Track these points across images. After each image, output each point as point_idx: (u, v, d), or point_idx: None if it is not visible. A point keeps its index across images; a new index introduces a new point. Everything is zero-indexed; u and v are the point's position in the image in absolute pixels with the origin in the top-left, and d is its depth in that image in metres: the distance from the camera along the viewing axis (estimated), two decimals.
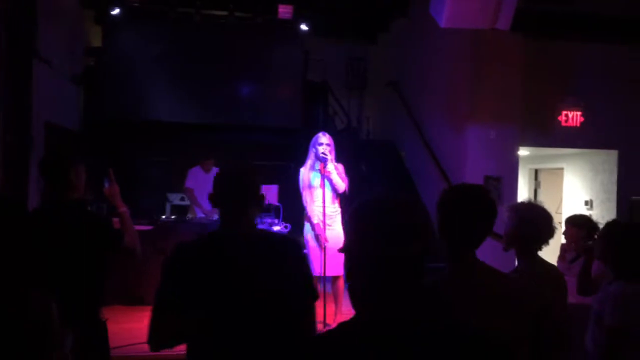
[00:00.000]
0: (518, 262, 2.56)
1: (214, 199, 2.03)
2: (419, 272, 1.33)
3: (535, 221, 2.51)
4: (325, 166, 4.85)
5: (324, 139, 5.00)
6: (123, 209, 2.81)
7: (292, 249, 2.05)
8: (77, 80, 8.08)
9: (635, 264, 2.61)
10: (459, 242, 1.89)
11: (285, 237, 2.25)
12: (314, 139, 5.07)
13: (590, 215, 7.06)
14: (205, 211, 6.57)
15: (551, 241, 2.61)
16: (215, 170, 6.96)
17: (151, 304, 1.94)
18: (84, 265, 2.62)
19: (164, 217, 6.55)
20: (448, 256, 1.91)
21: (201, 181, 6.76)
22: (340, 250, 1.43)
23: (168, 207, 7.36)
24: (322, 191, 4.84)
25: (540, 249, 2.57)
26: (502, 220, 2.40)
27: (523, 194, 8.03)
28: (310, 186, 4.99)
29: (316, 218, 4.93)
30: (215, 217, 6.48)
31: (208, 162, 6.85)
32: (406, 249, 1.30)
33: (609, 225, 2.93)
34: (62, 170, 2.69)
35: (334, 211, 5.01)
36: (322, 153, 4.84)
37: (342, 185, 4.93)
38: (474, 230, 1.89)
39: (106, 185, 2.79)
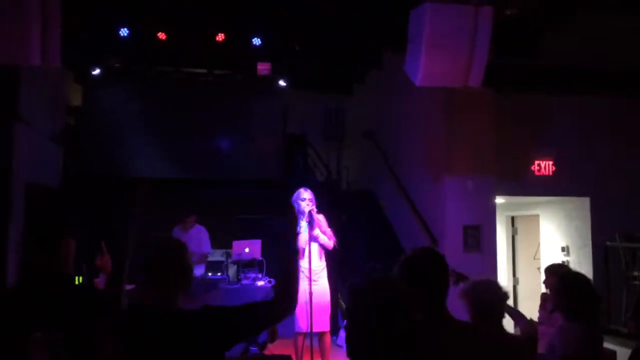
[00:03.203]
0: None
1: (138, 269, 2.08)
2: (412, 342, 1.43)
3: (489, 300, 2.74)
4: (312, 226, 4.93)
5: (305, 194, 5.12)
6: None
7: (205, 323, 2.04)
8: (57, 139, 8.11)
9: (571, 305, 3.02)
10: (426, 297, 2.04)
11: (203, 311, 2.12)
12: (295, 194, 5.18)
13: (568, 261, 7.27)
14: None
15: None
16: (197, 227, 7.00)
17: None
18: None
19: None
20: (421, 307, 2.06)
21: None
22: (344, 318, 1.56)
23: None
24: (308, 250, 4.91)
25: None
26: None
27: (501, 241, 8.18)
28: None
29: (301, 273, 4.97)
30: (197, 272, 6.47)
31: (189, 220, 6.86)
32: (403, 323, 1.40)
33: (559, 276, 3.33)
34: (52, 240, 2.66)
35: (320, 267, 5.06)
36: (309, 213, 4.93)
37: (329, 243, 5.03)
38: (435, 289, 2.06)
39: (98, 257, 2.79)
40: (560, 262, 6.64)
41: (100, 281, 2.80)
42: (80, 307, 2.60)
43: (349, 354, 1.48)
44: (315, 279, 4.96)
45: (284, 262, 2.26)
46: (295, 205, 5.11)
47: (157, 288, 2.05)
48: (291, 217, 2.52)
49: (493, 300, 2.73)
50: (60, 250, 2.67)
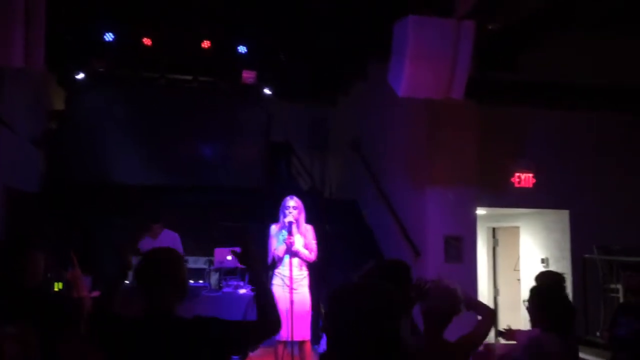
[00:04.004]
0: None
1: (136, 279, 2.13)
2: (395, 348, 1.44)
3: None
4: (290, 235, 4.93)
5: (291, 202, 5.11)
6: (83, 293, 2.79)
7: (204, 332, 2.09)
8: (39, 142, 8.04)
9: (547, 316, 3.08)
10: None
11: (199, 320, 2.19)
12: (282, 202, 5.18)
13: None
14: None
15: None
16: (166, 232, 6.91)
17: None
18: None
19: (127, 282, 6.44)
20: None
21: (147, 248, 6.66)
22: (322, 330, 1.57)
23: (130, 272, 7.24)
24: (289, 260, 4.92)
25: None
26: None
27: (482, 252, 8.25)
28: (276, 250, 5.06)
29: (279, 279, 4.99)
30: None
31: (156, 226, 6.73)
32: (382, 328, 1.41)
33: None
34: (19, 258, 2.64)
35: (301, 275, 5.06)
36: (288, 222, 4.94)
37: (309, 256, 5.03)
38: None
39: (69, 269, 2.78)
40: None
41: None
42: (40, 318, 2.57)
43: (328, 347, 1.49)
44: (295, 287, 4.96)
45: (257, 290, 2.28)
46: (280, 214, 5.12)
47: (152, 296, 2.11)
48: (246, 240, 2.55)
49: (446, 312, 2.68)
50: (28, 266, 2.64)
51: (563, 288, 4.08)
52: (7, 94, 6.38)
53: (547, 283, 3.82)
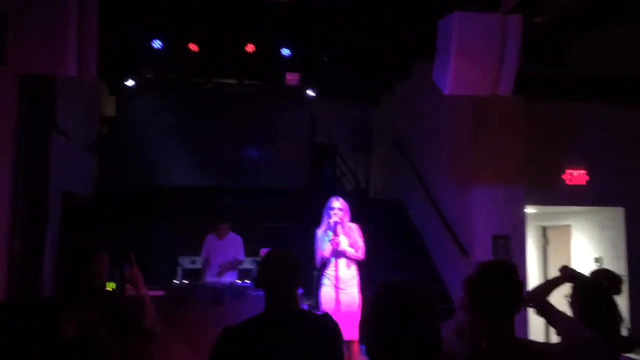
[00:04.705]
0: None
1: (260, 282, 2.19)
2: (436, 348, 1.43)
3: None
4: (336, 235, 4.93)
5: (336, 203, 5.11)
6: (144, 291, 2.82)
7: (331, 329, 2.20)
8: (92, 149, 8.32)
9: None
10: (492, 315, 1.96)
11: (325, 317, 2.32)
12: (327, 203, 5.18)
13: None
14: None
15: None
16: (231, 235, 7.07)
17: None
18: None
19: (176, 281, 6.61)
20: (483, 329, 1.97)
21: (214, 248, 6.84)
22: (361, 327, 1.58)
23: (179, 271, 7.42)
24: (335, 260, 4.92)
25: None
26: None
27: (532, 252, 8.05)
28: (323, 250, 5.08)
29: (328, 280, 5.00)
30: (228, 279, 6.54)
31: (223, 227, 6.92)
32: (415, 323, 1.41)
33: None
34: (86, 260, 2.72)
35: (349, 275, 5.04)
36: (333, 222, 4.94)
37: (356, 254, 5.01)
38: (505, 304, 1.96)
39: (127, 268, 2.83)
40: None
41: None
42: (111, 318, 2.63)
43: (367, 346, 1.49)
44: (344, 287, 4.95)
45: None
46: (325, 214, 5.12)
47: (286, 294, 2.19)
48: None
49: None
50: (94, 267, 2.72)
51: (619, 289, 3.89)
52: (62, 103, 6.62)
53: (600, 281, 3.63)
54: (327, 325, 2.19)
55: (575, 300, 3.01)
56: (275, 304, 2.16)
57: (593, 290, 3.05)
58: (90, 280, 2.67)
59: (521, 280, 2.02)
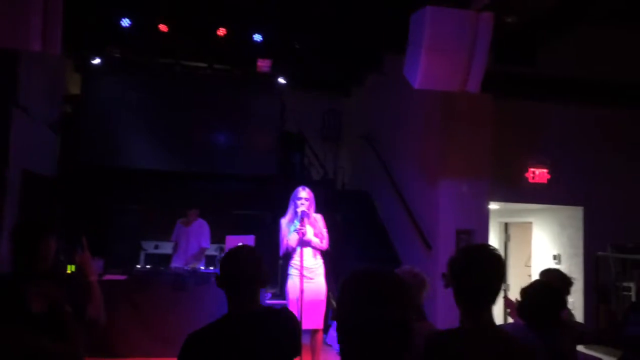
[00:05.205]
0: None
1: (222, 283, 2.15)
2: (404, 337, 1.43)
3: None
4: (303, 224, 4.92)
5: (303, 193, 5.09)
6: (92, 277, 2.73)
7: (290, 322, 2.21)
8: (55, 127, 8.10)
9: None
10: (472, 303, 1.97)
11: (284, 311, 2.33)
12: (294, 192, 5.16)
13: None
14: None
15: None
16: (199, 222, 7.00)
17: (122, 356, 2.02)
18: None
19: (138, 266, 6.51)
20: (463, 316, 2.00)
21: (182, 234, 6.82)
22: (332, 318, 1.57)
23: (142, 256, 7.31)
24: (300, 249, 4.92)
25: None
26: None
27: (494, 246, 8.20)
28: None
29: (294, 269, 4.99)
30: (200, 267, 6.52)
31: (191, 213, 6.85)
32: (386, 312, 1.41)
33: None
34: (31, 242, 2.64)
35: (315, 264, 5.05)
36: (302, 211, 4.93)
37: (321, 244, 5.02)
38: (486, 291, 1.97)
39: (79, 252, 2.76)
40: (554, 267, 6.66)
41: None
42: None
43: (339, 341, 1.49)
44: (310, 276, 4.95)
45: None
46: (292, 204, 5.11)
47: (249, 292, 2.17)
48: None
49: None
50: (41, 251, 2.65)
51: (568, 291, 3.95)
52: (24, 78, 6.42)
53: (550, 282, 3.66)
54: (285, 319, 2.20)
55: (523, 301, 3.09)
56: (236, 305, 2.12)
57: (541, 290, 3.13)
58: (36, 264, 2.61)
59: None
